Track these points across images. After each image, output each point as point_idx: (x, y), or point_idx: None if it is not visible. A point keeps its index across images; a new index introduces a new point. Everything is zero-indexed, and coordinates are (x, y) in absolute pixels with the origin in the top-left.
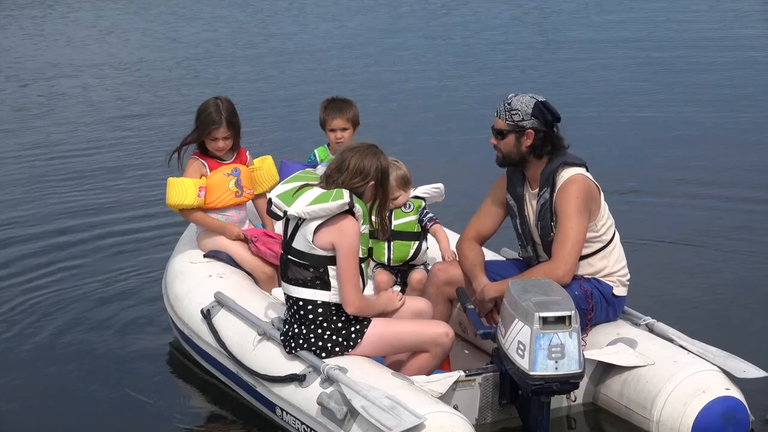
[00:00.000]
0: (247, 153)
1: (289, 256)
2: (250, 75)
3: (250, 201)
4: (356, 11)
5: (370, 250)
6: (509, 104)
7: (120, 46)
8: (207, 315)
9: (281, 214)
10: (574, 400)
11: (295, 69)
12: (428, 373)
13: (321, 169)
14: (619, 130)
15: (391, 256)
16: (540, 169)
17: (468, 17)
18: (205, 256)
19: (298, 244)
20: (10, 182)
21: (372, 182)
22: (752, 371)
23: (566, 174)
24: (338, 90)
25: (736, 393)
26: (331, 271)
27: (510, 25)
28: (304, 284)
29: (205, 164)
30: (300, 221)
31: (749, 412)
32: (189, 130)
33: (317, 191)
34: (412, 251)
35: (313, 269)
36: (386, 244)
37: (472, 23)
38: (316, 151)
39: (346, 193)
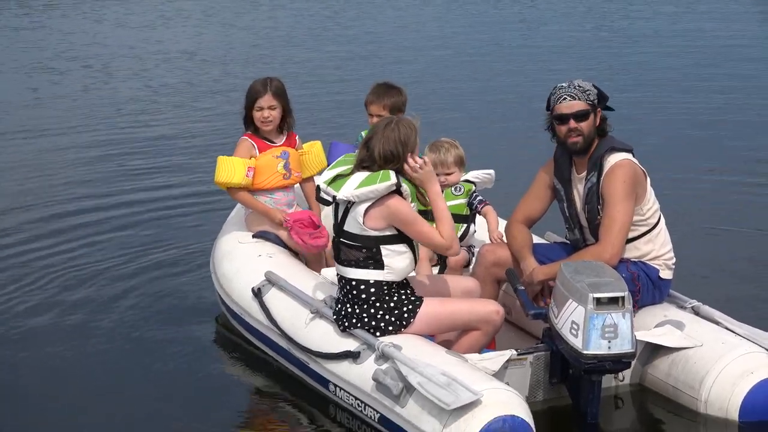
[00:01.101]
0: (297, 137)
1: (341, 239)
2: (313, 60)
3: (298, 184)
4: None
5: None
6: (580, 86)
7: (180, 30)
8: (258, 293)
9: (330, 200)
10: (622, 380)
11: (357, 53)
12: (477, 351)
13: None
14: (667, 115)
15: None
16: (588, 153)
17: (527, 8)
18: (253, 236)
19: (350, 226)
20: (65, 157)
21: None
22: None
23: (613, 159)
24: (395, 74)
25: None
26: (384, 250)
27: (568, 16)
28: (356, 265)
29: (255, 145)
30: (350, 205)
31: None
32: (242, 110)
33: (363, 174)
34: (459, 233)
35: (366, 249)
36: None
37: (531, 13)
38: (363, 133)
39: (392, 174)
